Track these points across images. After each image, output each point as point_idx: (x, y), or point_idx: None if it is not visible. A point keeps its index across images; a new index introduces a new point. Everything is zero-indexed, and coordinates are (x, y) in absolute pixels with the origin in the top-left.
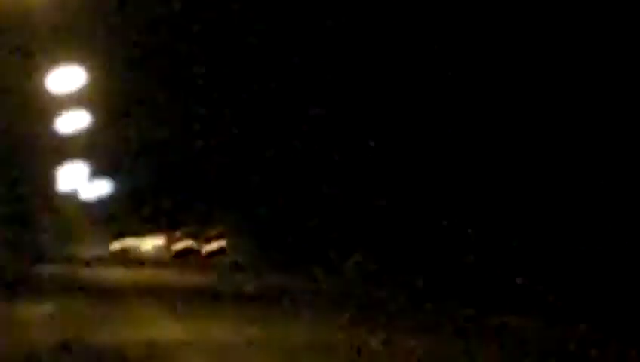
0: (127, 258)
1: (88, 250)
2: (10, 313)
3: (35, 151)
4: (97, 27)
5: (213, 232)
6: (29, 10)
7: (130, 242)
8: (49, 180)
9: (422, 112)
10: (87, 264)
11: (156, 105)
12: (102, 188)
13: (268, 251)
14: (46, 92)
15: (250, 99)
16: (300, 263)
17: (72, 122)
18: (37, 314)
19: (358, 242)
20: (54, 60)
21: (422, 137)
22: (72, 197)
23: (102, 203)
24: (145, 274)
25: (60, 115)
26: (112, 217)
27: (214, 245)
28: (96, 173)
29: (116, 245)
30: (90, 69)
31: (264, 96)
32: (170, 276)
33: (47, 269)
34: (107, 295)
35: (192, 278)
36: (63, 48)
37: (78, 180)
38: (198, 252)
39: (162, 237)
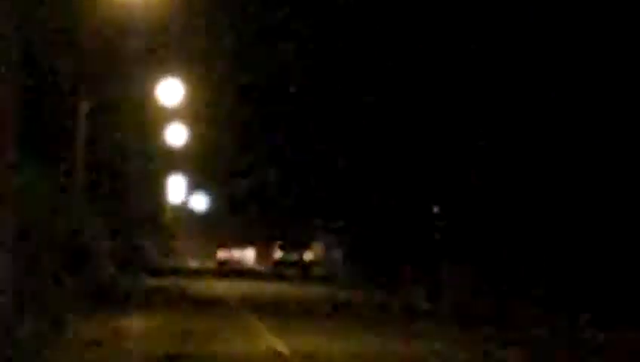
0: (232, 268)
1: (194, 261)
2: (121, 325)
3: (139, 163)
4: (202, 38)
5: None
6: (135, 25)
7: (233, 253)
8: (155, 192)
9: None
10: (197, 273)
11: (256, 122)
12: (202, 200)
13: (367, 266)
14: (151, 105)
15: (349, 114)
16: (397, 280)
17: (176, 135)
18: (146, 327)
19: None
20: (158, 74)
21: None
22: (176, 209)
23: (204, 215)
24: (252, 286)
25: (164, 127)
26: (213, 228)
27: (309, 255)
28: (198, 185)
29: (221, 255)
30: (193, 85)
31: (362, 113)
32: (273, 287)
33: (155, 282)
34: (215, 307)
35: (297, 290)
36: (167, 63)
37: (181, 192)
38: (296, 262)
39: (260, 248)
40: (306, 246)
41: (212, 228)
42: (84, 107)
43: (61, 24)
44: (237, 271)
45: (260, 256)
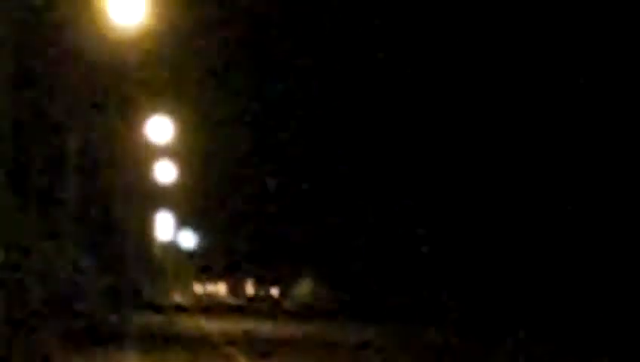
0: (210, 302)
1: (177, 295)
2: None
3: (129, 198)
4: (191, 78)
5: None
6: (126, 64)
7: (209, 287)
8: (143, 228)
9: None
10: (181, 309)
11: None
12: (190, 237)
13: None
14: (140, 142)
15: (332, 153)
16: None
17: (164, 172)
18: None
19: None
20: (147, 112)
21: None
22: (163, 245)
23: (189, 251)
24: (235, 323)
25: (153, 164)
26: (196, 263)
27: (276, 291)
28: (184, 222)
29: (199, 290)
30: (179, 122)
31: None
32: (253, 324)
33: (143, 318)
34: (201, 344)
35: (274, 327)
36: (156, 101)
37: (168, 228)
38: (269, 296)
39: (234, 282)
40: (276, 282)
41: (198, 265)
42: (74, 143)
43: (54, 59)
44: (216, 305)
45: (232, 290)
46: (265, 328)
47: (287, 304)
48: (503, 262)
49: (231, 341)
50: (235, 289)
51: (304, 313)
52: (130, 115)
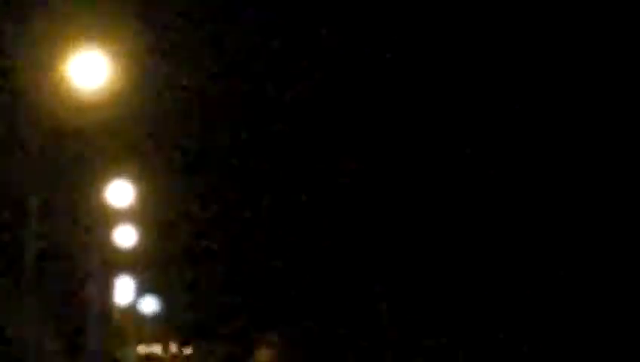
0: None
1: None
2: None
3: (89, 265)
4: (147, 146)
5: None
6: (88, 128)
7: (151, 348)
8: (102, 291)
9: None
10: None
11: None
12: (153, 303)
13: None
14: (99, 206)
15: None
16: None
17: (124, 236)
18: None
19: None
20: (107, 177)
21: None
22: (125, 311)
23: (149, 315)
24: None
25: (113, 228)
26: (154, 327)
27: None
28: (143, 287)
29: (141, 350)
30: (140, 186)
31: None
32: None
33: None
34: None
35: None
36: (116, 165)
37: (129, 294)
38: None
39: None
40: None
41: (156, 328)
42: (33, 206)
43: (9, 122)
44: None
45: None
46: None
47: None
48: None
49: None
50: (165, 349)
51: None
52: (92, 178)
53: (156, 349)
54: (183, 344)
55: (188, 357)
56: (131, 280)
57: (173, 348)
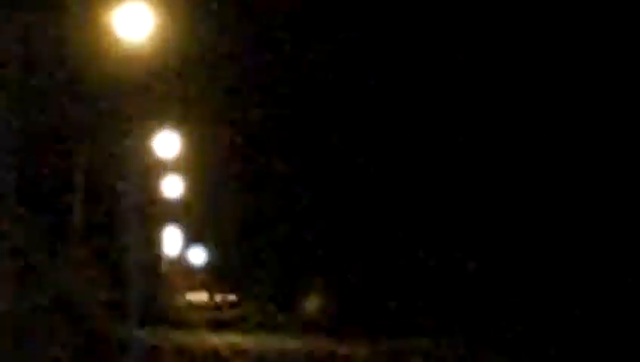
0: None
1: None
2: None
3: (133, 214)
4: (199, 92)
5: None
6: (133, 80)
7: (197, 296)
8: (150, 243)
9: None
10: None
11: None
12: (200, 254)
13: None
14: (147, 157)
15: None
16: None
17: (171, 187)
18: None
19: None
20: (155, 127)
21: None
22: (173, 261)
23: (197, 266)
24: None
25: (160, 179)
26: (201, 277)
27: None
28: (191, 239)
29: (190, 297)
30: (187, 136)
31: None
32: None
33: (151, 332)
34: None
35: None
36: (162, 116)
37: (177, 245)
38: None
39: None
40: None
41: (203, 278)
42: (82, 160)
43: (66, 77)
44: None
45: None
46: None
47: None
48: (513, 278)
49: (238, 356)
50: (211, 297)
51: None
52: (138, 130)
53: (203, 297)
54: (228, 292)
55: (232, 303)
56: (179, 231)
57: (219, 296)
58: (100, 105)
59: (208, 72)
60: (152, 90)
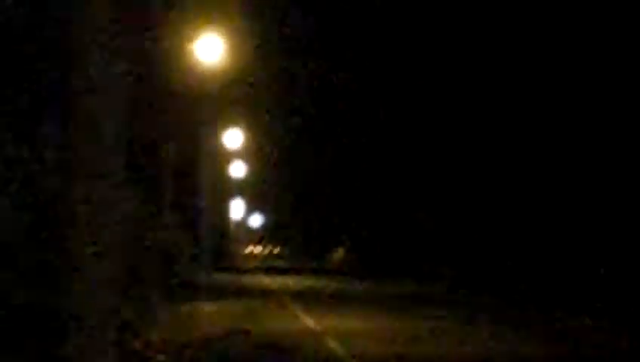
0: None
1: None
2: (190, 311)
3: (212, 190)
4: (255, 98)
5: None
6: (209, 91)
7: (252, 248)
8: (221, 211)
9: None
10: (237, 271)
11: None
12: (258, 219)
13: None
14: (219, 148)
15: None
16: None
17: (237, 169)
18: (207, 311)
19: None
20: (224, 126)
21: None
22: (235, 225)
23: (259, 229)
24: (283, 282)
25: (229, 163)
26: (258, 236)
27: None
28: (252, 208)
29: (247, 249)
30: (249, 132)
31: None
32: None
33: (221, 276)
34: (254, 296)
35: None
36: (230, 115)
37: (240, 212)
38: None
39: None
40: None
41: (259, 236)
42: (171, 148)
43: (155, 91)
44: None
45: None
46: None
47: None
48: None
49: (283, 290)
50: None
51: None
52: (212, 127)
53: (258, 248)
54: (277, 246)
55: (278, 253)
56: (243, 202)
57: (268, 248)
58: (183, 109)
59: (265, 83)
60: (223, 100)
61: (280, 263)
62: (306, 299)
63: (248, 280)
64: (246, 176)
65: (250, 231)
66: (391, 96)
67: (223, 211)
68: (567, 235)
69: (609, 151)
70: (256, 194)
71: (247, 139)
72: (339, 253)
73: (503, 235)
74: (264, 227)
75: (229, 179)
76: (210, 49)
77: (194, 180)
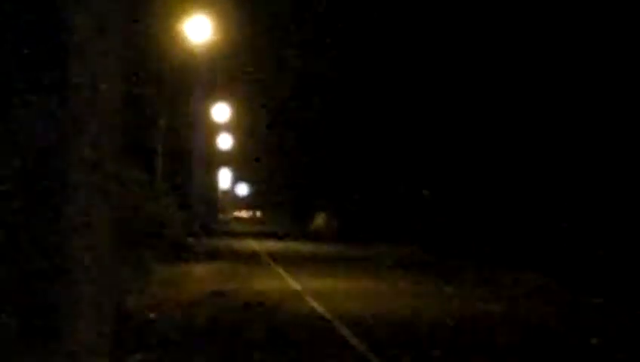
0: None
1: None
2: (181, 272)
3: (201, 160)
4: (242, 75)
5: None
6: (198, 68)
7: (238, 213)
8: (210, 180)
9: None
10: (230, 233)
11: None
12: (244, 188)
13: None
14: (208, 121)
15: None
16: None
17: (224, 142)
18: (198, 272)
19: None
20: (212, 100)
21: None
22: (225, 192)
23: (245, 197)
24: (268, 246)
25: (216, 136)
26: (243, 202)
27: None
28: (238, 177)
29: (234, 214)
30: (235, 107)
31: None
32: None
33: (210, 241)
34: (240, 258)
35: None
36: (217, 90)
37: (227, 181)
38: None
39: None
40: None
41: (244, 203)
42: (162, 123)
43: (149, 61)
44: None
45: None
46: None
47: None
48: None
49: (268, 252)
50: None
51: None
52: (200, 103)
53: (244, 213)
54: (259, 210)
55: (261, 218)
56: (229, 172)
57: (252, 212)
58: (173, 86)
59: (250, 60)
60: (211, 75)
61: (265, 228)
62: (290, 260)
63: (236, 244)
64: (233, 148)
65: (236, 199)
66: (373, 66)
67: (212, 180)
68: (536, 196)
69: (592, 132)
70: (241, 165)
71: (235, 114)
72: (321, 219)
73: (475, 200)
74: (249, 196)
75: (217, 150)
76: (199, 29)
77: (184, 152)
